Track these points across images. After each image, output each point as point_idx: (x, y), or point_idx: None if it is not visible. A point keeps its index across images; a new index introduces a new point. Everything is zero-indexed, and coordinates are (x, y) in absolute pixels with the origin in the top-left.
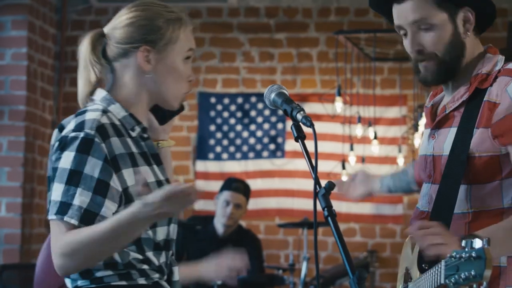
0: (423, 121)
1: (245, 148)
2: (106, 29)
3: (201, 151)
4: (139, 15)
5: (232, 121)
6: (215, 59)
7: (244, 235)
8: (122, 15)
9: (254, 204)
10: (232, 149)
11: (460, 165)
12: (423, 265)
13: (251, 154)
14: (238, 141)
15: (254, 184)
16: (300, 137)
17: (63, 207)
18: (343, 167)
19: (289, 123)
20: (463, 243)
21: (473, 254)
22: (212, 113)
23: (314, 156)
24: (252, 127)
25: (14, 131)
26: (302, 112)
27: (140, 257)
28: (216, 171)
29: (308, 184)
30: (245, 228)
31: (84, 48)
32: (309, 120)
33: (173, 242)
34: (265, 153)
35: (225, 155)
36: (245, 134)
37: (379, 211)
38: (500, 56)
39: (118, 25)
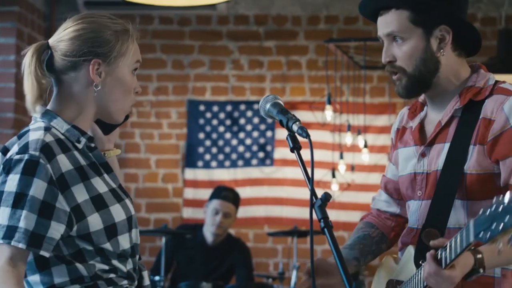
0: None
1: (234, 156)
2: (51, 41)
3: (190, 159)
4: (86, 27)
5: (221, 129)
6: (204, 67)
7: (233, 243)
8: (67, 27)
9: (243, 212)
10: (221, 157)
11: (455, 180)
12: (420, 262)
13: (240, 162)
14: (227, 149)
15: (243, 192)
16: (296, 147)
17: (10, 232)
18: (333, 176)
19: (278, 131)
20: (494, 200)
21: (505, 203)
22: (201, 121)
23: (309, 166)
24: (241, 135)
25: (2, 138)
26: (297, 123)
27: (106, 267)
28: (205, 179)
29: (297, 192)
30: (234, 237)
31: (27, 60)
32: (305, 131)
33: (138, 247)
34: (254, 161)
35: (214, 163)
36: (234, 142)
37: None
38: (491, 74)
39: (64, 37)
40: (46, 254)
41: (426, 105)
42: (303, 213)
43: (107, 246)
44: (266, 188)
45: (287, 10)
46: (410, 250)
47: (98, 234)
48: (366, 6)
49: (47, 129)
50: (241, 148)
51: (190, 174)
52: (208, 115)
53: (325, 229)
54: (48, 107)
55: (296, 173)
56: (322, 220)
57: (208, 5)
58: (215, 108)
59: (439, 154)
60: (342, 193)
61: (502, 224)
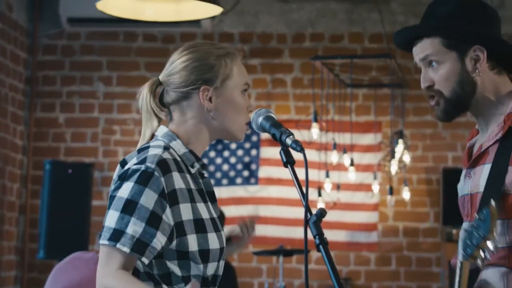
0: (399, 148)
1: (218, 174)
2: (161, 77)
3: None
4: (191, 57)
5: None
6: None
7: None
8: (174, 61)
9: (227, 231)
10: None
11: (495, 200)
12: None
13: (224, 181)
14: (212, 168)
15: (228, 211)
16: (289, 162)
17: (117, 234)
18: (319, 194)
19: (263, 149)
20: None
21: (481, 217)
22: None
23: (302, 178)
24: (226, 153)
25: None
26: (291, 137)
27: None
28: None
29: (282, 211)
30: None
31: (144, 98)
32: (299, 145)
33: (219, 278)
34: (238, 180)
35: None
36: (219, 160)
37: (353, 239)
38: None
39: (173, 71)
40: (146, 261)
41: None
42: (288, 232)
43: (195, 270)
44: (250, 207)
45: (272, 28)
46: None
47: (194, 254)
48: (399, 38)
49: (166, 148)
50: (225, 167)
51: None
52: None
53: (320, 246)
54: (165, 129)
55: (281, 192)
56: (317, 237)
57: (192, 22)
58: None
59: (480, 176)
60: (328, 212)
61: (476, 236)
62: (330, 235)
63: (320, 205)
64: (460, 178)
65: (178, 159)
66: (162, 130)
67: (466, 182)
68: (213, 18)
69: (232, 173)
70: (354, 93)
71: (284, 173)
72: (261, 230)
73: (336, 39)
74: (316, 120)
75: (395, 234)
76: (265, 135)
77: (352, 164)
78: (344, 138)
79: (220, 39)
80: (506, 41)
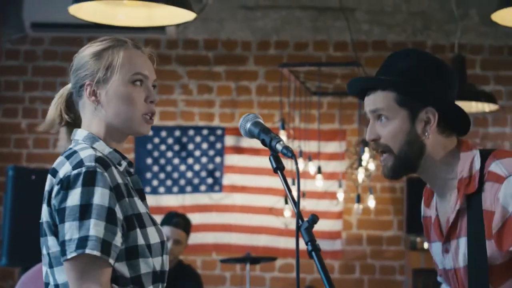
0: (365, 156)
1: (182, 182)
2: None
3: None
4: (76, 58)
5: (170, 154)
6: None
7: (184, 270)
8: (72, 63)
9: (191, 238)
10: (169, 182)
11: (484, 276)
12: None
13: (188, 188)
14: (175, 175)
15: (192, 218)
16: (279, 168)
17: (82, 242)
18: (286, 202)
19: (228, 157)
20: None
21: None
22: (149, 146)
23: (288, 186)
24: (190, 160)
25: None
26: (281, 142)
27: None
28: (152, 205)
29: (246, 219)
30: (184, 264)
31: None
32: (290, 151)
33: (166, 274)
34: (202, 187)
35: (162, 189)
36: (183, 167)
37: (323, 247)
38: (474, 151)
39: (70, 73)
40: (112, 262)
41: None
42: (252, 240)
43: (146, 268)
44: (214, 215)
45: (236, 35)
46: None
47: (143, 248)
48: (353, 86)
49: (93, 149)
50: (189, 174)
51: None
52: (156, 140)
53: (313, 253)
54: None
55: (245, 199)
56: (309, 243)
57: (157, 28)
58: (163, 133)
59: (458, 251)
60: (294, 220)
61: None
62: (294, 243)
63: (287, 213)
64: (433, 246)
65: (105, 158)
66: (82, 133)
67: (446, 257)
68: (177, 25)
69: (196, 181)
70: (319, 101)
71: (248, 180)
72: (225, 237)
73: (301, 47)
74: (283, 128)
75: (359, 242)
76: (229, 142)
77: (320, 171)
78: (310, 146)
79: (184, 45)
80: (460, 107)
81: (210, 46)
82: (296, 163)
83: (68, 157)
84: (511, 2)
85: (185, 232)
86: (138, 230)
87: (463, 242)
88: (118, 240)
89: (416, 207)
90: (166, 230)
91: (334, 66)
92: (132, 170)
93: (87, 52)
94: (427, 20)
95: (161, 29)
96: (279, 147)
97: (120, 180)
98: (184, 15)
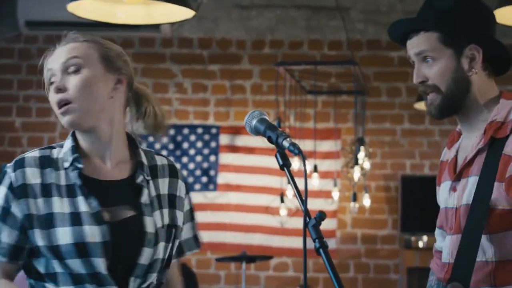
0: (361, 155)
1: None
2: None
3: None
4: None
5: (164, 153)
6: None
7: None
8: None
9: None
10: None
11: (482, 215)
12: None
13: None
14: None
15: None
16: (286, 165)
17: None
18: (282, 201)
19: (222, 155)
20: None
21: None
22: (144, 145)
23: (296, 185)
24: (184, 159)
25: None
26: (288, 139)
27: None
28: None
29: (240, 218)
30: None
31: None
32: (297, 148)
33: (106, 277)
34: (197, 186)
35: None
36: (177, 166)
37: (312, 246)
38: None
39: None
40: (2, 259)
41: (461, 133)
42: (247, 238)
43: (60, 265)
44: (209, 213)
45: (231, 34)
46: None
47: (45, 248)
48: (395, 30)
49: (50, 147)
50: (184, 173)
51: None
52: (151, 138)
53: (321, 250)
54: None
55: (240, 198)
56: (317, 240)
57: (152, 27)
58: None
59: (465, 189)
60: (290, 219)
61: None
62: (289, 242)
63: (283, 211)
64: (441, 187)
65: (55, 157)
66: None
67: (451, 195)
68: (174, 23)
69: (190, 179)
70: (314, 100)
71: (243, 179)
72: (219, 236)
73: (296, 45)
74: (279, 126)
75: (353, 241)
76: (223, 141)
77: (316, 170)
78: (305, 145)
79: (179, 44)
80: (501, 42)
81: (204, 44)
82: (304, 160)
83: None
84: (511, 1)
85: None
86: (36, 230)
87: (472, 180)
88: (3, 237)
89: (410, 206)
90: None
91: (330, 65)
92: (79, 165)
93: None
94: None
95: (156, 27)
96: (286, 144)
97: (34, 181)
98: (182, 13)
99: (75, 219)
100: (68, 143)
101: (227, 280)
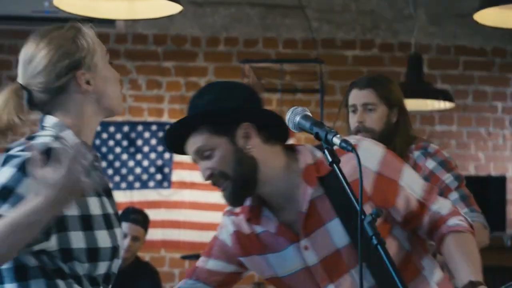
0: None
1: (130, 177)
2: (22, 81)
3: None
4: (51, 48)
5: (118, 150)
6: None
7: (142, 267)
8: (32, 59)
9: None
10: (117, 178)
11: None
12: None
13: (137, 184)
14: (124, 171)
15: None
16: (335, 162)
17: None
18: None
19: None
20: None
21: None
22: (97, 142)
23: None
24: (138, 156)
25: None
26: (339, 136)
27: None
28: None
29: (195, 216)
30: (142, 261)
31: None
32: (349, 144)
33: (114, 277)
34: (151, 183)
35: (110, 185)
36: (131, 163)
37: None
38: (306, 145)
39: (35, 70)
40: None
41: (262, 206)
42: (201, 236)
43: (83, 270)
44: (163, 211)
45: (186, 31)
46: None
47: (80, 252)
48: (171, 144)
49: (57, 138)
50: (138, 170)
51: None
52: (104, 135)
53: (379, 246)
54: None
55: (194, 195)
56: (374, 237)
57: (106, 22)
58: (112, 129)
59: (328, 236)
60: None
61: None
62: None
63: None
64: (276, 259)
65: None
66: (51, 120)
67: (306, 255)
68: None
69: (144, 177)
70: (268, 98)
71: (198, 176)
72: (173, 234)
73: (251, 43)
74: None
75: None
76: None
77: None
78: None
79: (133, 40)
80: (271, 111)
81: (159, 41)
82: (358, 156)
83: (27, 139)
84: (492, 2)
85: (143, 228)
86: (80, 232)
87: (333, 224)
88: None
89: None
90: (123, 226)
91: (297, 63)
92: (97, 164)
93: (61, 36)
94: (376, 19)
95: (111, 23)
96: (336, 140)
97: None
98: (169, 8)
99: (107, 221)
100: (70, 136)
101: (181, 278)
